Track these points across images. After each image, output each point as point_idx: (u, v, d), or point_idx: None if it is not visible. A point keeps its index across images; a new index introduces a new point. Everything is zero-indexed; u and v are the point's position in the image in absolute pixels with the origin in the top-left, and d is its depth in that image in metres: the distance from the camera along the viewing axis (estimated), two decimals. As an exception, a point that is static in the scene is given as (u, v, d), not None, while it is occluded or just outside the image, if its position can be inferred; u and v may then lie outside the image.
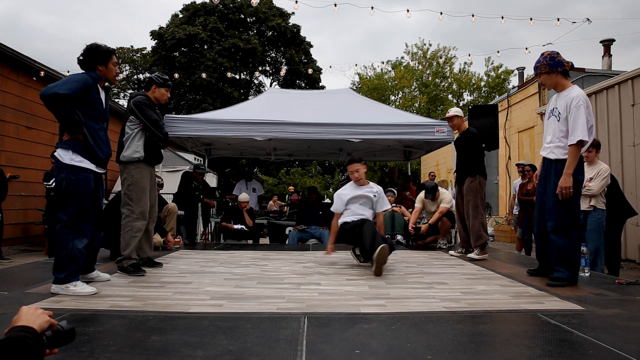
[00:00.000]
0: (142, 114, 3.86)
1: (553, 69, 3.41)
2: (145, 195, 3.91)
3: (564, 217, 3.35)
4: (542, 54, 3.47)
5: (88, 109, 3.11)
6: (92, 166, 3.13)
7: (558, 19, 9.08)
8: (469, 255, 4.92)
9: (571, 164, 3.27)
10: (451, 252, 5.35)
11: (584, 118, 3.24)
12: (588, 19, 9.31)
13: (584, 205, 4.88)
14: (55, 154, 3.12)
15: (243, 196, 7.21)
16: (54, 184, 3.27)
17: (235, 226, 6.88)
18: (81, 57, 3.21)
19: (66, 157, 3.05)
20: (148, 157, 3.92)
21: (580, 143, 3.26)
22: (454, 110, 5.22)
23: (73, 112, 3.01)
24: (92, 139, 3.11)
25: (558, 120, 3.39)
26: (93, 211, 3.15)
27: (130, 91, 27.91)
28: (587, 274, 3.82)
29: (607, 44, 11.60)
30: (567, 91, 3.40)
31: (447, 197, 6.13)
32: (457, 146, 5.26)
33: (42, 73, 9.36)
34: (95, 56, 3.19)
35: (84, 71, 3.21)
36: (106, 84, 3.34)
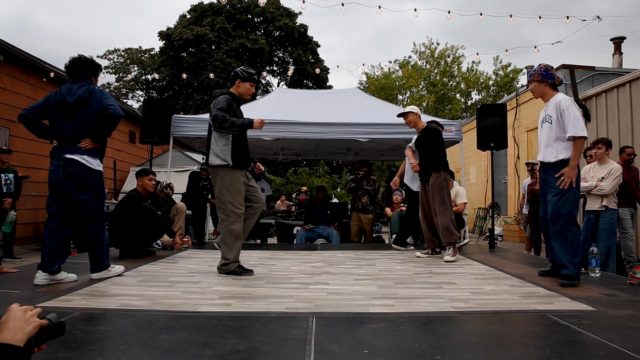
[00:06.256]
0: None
1: (544, 80, 3.65)
2: (240, 197, 3.78)
3: (564, 215, 3.46)
4: (539, 65, 3.73)
5: None
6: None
7: (567, 17, 8.98)
8: (445, 258, 4.58)
9: (576, 157, 3.44)
10: (417, 253, 5.09)
11: (578, 114, 3.45)
12: (598, 17, 9.19)
13: (596, 205, 4.83)
14: (81, 160, 3.23)
15: None
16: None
17: None
18: (78, 67, 3.34)
19: (94, 163, 3.32)
20: (236, 162, 3.75)
21: (584, 138, 3.44)
22: (409, 107, 5.17)
23: None
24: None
25: (551, 124, 3.57)
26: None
27: (138, 92, 28.12)
28: (597, 275, 3.78)
29: (618, 41, 11.43)
30: (553, 98, 3.63)
31: (461, 191, 5.98)
32: (418, 145, 5.13)
33: (52, 74, 9.45)
34: (93, 68, 3.44)
35: (71, 80, 3.37)
36: None
